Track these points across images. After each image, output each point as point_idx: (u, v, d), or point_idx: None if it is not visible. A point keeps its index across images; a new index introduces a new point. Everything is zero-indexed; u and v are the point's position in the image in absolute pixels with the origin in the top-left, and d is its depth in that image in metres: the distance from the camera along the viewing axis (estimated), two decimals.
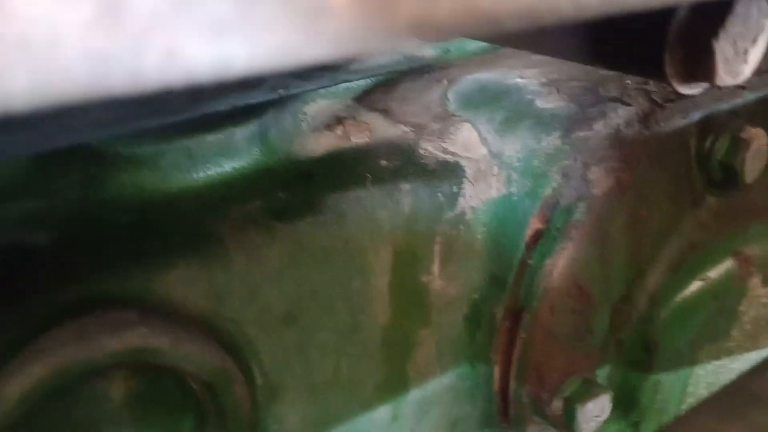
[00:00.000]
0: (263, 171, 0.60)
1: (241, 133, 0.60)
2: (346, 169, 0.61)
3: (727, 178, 0.61)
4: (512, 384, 0.62)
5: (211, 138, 0.58)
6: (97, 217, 0.52)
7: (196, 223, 0.54)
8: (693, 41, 0.38)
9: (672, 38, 0.38)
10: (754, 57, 0.39)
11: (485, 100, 0.68)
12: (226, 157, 0.59)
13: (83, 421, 0.49)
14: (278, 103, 0.64)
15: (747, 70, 0.39)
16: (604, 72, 0.68)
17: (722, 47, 0.37)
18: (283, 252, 0.54)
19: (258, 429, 0.55)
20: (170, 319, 0.48)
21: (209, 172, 0.59)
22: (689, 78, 0.39)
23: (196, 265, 0.51)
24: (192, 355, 0.47)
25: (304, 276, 0.55)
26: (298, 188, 0.58)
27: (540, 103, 0.64)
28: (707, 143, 0.60)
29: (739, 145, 0.59)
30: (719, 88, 0.60)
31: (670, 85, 0.40)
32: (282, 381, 0.55)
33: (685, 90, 0.40)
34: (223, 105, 0.59)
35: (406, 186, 0.61)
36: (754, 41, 0.39)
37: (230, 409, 0.51)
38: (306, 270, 0.55)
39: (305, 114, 0.66)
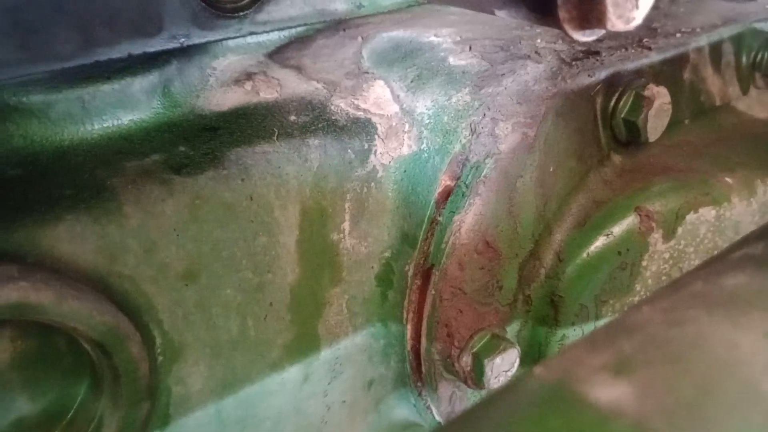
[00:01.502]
0: (164, 125, 0.58)
1: (140, 84, 0.57)
2: (252, 124, 0.59)
3: (631, 136, 0.62)
4: (423, 342, 0.62)
5: (106, 88, 0.55)
6: None
7: (88, 177, 0.51)
8: None
9: None
10: (646, 3, 0.39)
11: (399, 57, 0.67)
12: (124, 109, 0.56)
13: None
14: (183, 55, 0.61)
15: (639, 16, 0.39)
16: (517, 31, 0.68)
17: None
18: (182, 207, 0.52)
19: (158, 390, 0.53)
20: (56, 275, 0.45)
21: (105, 125, 0.56)
22: (582, 23, 0.39)
23: (86, 220, 0.48)
24: (79, 312, 0.45)
25: (205, 232, 0.53)
26: (201, 142, 0.56)
27: (452, 61, 0.63)
28: (612, 101, 0.61)
29: (642, 103, 0.60)
30: (613, 34, 0.60)
31: (563, 30, 0.39)
32: (183, 340, 0.53)
33: (580, 36, 0.40)
34: (118, 52, 0.56)
35: (315, 142, 0.59)
36: None
37: (125, 370, 0.49)
38: (207, 226, 0.53)
39: (214, 68, 0.64)
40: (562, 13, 0.39)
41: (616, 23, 0.38)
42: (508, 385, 0.29)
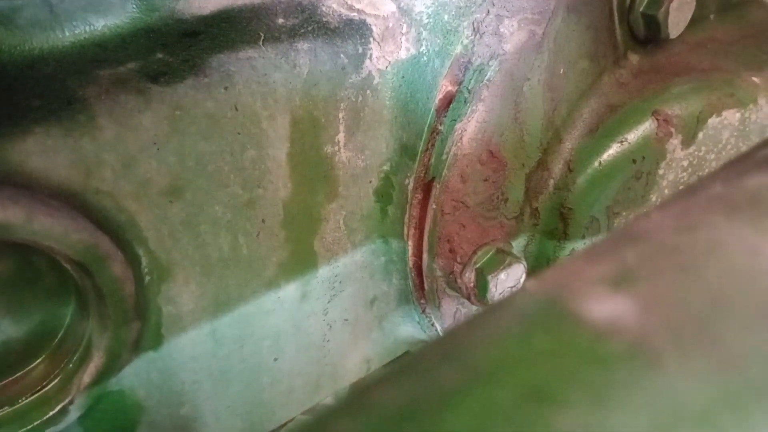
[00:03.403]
0: (140, 30, 0.53)
1: None
2: (236, 28, 0.54)
3: (650, 32, 0.57)
4: (425, 258, 0.59)
5: None
6: None
7: (58, 88, 0.47)
8: None
9: None
10: None
11: None
12: (96, 14, 0.52)
13: None
14: None
15: None
16: None
17: None
18: (162, 118, 0.48)
19: (148, 311, 0.51)
20: (26, 192, 0.43)
21: (76, 31, 0.51)
22: None
23: (57, 133, 0.45)
24: (52, 230, 0.42)
25: (187, 145, 0.50)
26: (180, 49, 0.52)
27: None
28: None
29: None
30: None
31: None
32: (171, 259, 0.51)
33: None
34: None
35: (304, 46, 0.55)
36: None
37: (109, 290, 0.47)
38: (190, 139, 0.50)
39: None
40: None
41: None
42: (499, 302, 0.26)
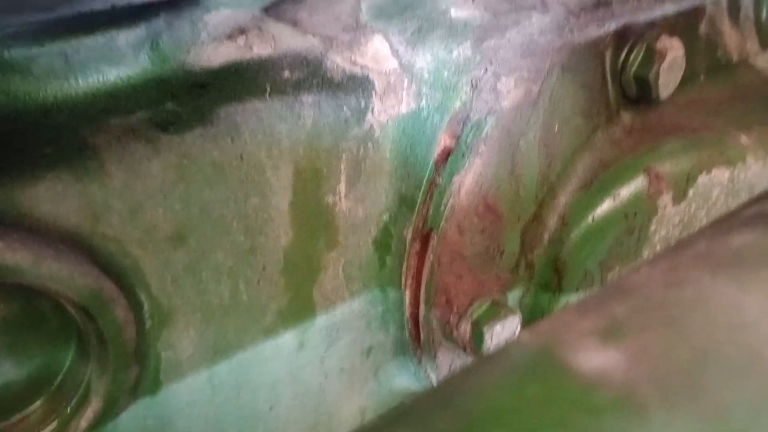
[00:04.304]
0: (151, 80, 0.55)
1: (126, 37, 0.55)
2: (244, 81, 0.57)
3: (642, 92, 0.59)
4: (422, 308, 0.60)
5: (90, 42, 0.53)
6: None
7: (70, 135, 0.49)
8: None
9: None
10: None
11: (399, 9, 0.64)
12: (109, 64, 0.54)
13: None
14: (172, 8, 0.58)
15: None
16: None
17: None
18: (169, 166, 0.50)
19: (147, 355, 0.52)
20: (35, 236, 0.44)
21: (89, 80, 0.53)
22: None
23: (67, 179, 0.46)
24: (59, 273, 0.43)
25: (193, 193, 0.51)
26: (190, 99, 0.54)
27: (454, 12, 0.60)
28: (622, 55, 0.58)
29: (653, 56, 0.57)
30: None
31: None
32: (172, 305, 0.52)
33: None
34: (101, 3, 0.53)
35: (309, 99, 0.57)
36: None
37: (111, 334, 0.48)
38: (196, 186, 0.51)
39: (206, 22, 0.61)
40: None
41: None
42: (492, 352, 0.27)
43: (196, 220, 0.52)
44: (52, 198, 0.45)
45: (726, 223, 0.30)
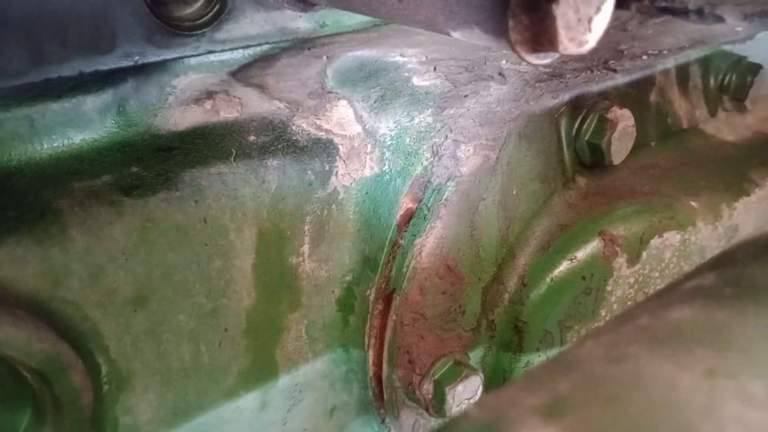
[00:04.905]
0: (117, 144, 0.56)
1: (92, 102, 0.55)
2: (209, 145, 0.57)
3: (595, 158, 0.61)
4: (385, 368, 0.60)
5: (56, 107, 0.54)
6: None
7: (33, 198, 0.49)
8: (534, 7, 0.36)
9: (514, 3, 0.37)
10: (599, 26, 0.38)
11: (363, 77, 0.66)
12: (75, 128, 0.55)
13: None
14: (139, 73, 0.60)
15: (592, 39, 0.38)
16: (482, 52, 0.67)
17: (563, 13, 0.36)
18: (132, 230, 0.50)
19: (104, 421, 0.51)
20: None
21: (54, 144, 0.54)
22: (535, 46, 0.38)
23: (28, 243, 0.46)
24: (16, 339, 0.43)
25: (156, 256, 0.51)
26: (155, 163, 0.54)
27: (416, 81, 0.63)
28: (576, 123, 0.60)
29: (605, 125, 0.59)
30: (577, 56, 0.60)
31: (516, 53, 0.39)
32: (131, 368, 0.51)
33: (533, 59, 0.39)
34: (68, 70, 0.54)
35: (274, 163, 0.58)
36: (598, 9, 0.38)
37: (67, 399, 0.47)
38: (158, 249, 0.52)
39: (173, 87, 0.62)
40: (514, 35, 0.38)
41: (568, 46, 0.37)
42: (443, 425, 0.27)
43: (158, 283, 0.52)
44: (12, 262, 0.45)
45: (665, 297, 0.32)
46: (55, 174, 0.52)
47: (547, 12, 0.36)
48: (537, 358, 0.61)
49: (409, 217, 0.59)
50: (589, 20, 0.38)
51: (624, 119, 0.60)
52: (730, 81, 0.79)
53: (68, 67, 0.53)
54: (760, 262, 0.35)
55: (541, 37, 0.38)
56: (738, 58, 0.80)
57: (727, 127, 0.76)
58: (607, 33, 0.65)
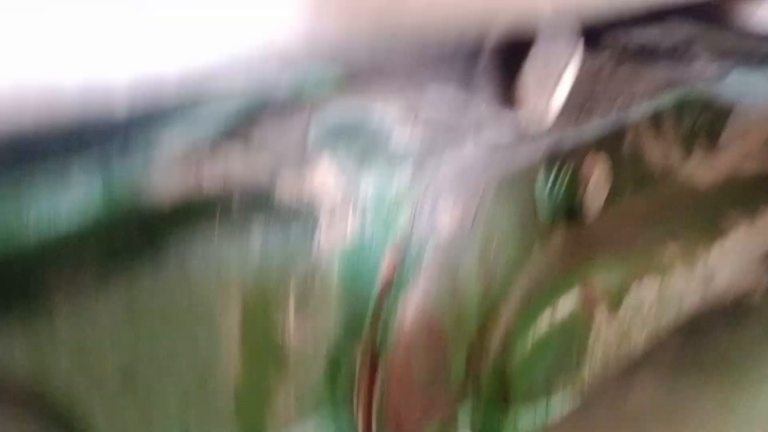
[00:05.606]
0: (101, 223, 0.57)
1: (76, 182, 0.56)
2: (194, 216, 0.58)
3: (571, 213, 0.63)
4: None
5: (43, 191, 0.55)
6: None
7: (17, 282, 0.50)
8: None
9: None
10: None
11: (345, 136, 0.67)
12: (59, 211, 0.56)
13: None
14: (124, 149, 0.61)
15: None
16: (461, 105, 0.69)
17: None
18: (117, 308, 0.51)
19: None
20: None
21: (39, 228, 0.55)
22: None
23: (15, 332, 0.47)
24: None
25: (142, 333, 0.52)
26: (139, 239, 0.55)
27: (394, 140, 0.64)
28: (550, 180, 0.62)
29: (578, 179, 0.61)
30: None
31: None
32: None
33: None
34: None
35: (258, 230, 0.59)
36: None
37: None
38: (144, 327, 0.52)
39: (157, 161, 0.63)
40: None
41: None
42: None
43: (146, 362, 0.52)
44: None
45: (629, 372, 0.33)
46: (40, 258, 0.53)
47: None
48: (525, 411, 0.61)
49: (390, 279, 0.60)
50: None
51: (597, 171, 0.61)
52: (704, 121, 0.80)
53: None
54: (723, 329, 0.36)
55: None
56: (711, 98, 0.81)
57: (703, 168, 0.78)
58: (580, 82, 0.66)
